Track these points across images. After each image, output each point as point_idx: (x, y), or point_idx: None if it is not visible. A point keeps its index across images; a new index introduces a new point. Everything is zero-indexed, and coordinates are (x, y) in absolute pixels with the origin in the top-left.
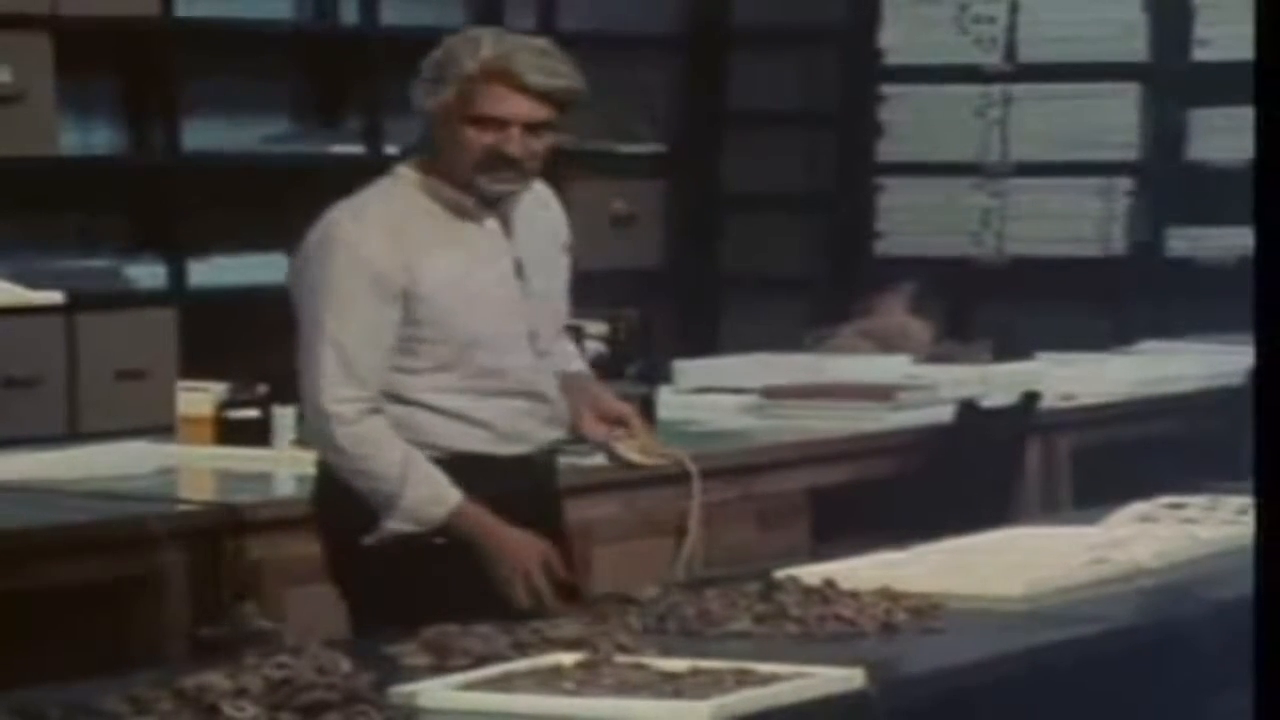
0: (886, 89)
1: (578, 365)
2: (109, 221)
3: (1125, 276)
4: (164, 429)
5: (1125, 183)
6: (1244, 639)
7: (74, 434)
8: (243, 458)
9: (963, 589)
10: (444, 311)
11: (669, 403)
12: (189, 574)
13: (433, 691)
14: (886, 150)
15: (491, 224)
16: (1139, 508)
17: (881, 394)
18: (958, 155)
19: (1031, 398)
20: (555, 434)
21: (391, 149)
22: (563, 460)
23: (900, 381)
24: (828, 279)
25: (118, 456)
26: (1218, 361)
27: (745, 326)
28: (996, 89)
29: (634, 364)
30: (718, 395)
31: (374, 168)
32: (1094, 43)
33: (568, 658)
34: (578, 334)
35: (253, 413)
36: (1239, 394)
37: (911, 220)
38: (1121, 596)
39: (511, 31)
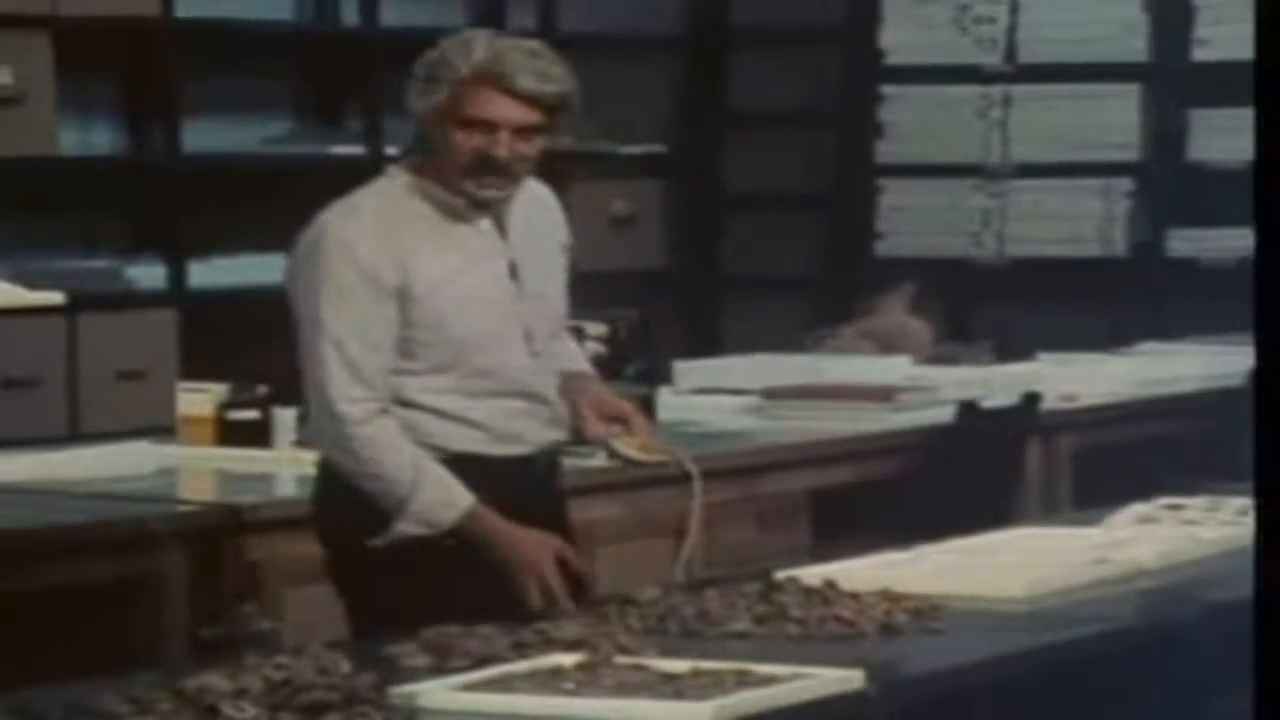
0: (887, 89)
1: (580, 365)
2: (109, 222)
3: (1125, 277)
4: (164, 430)
5: (1125, 183)
6: (1244, 640)
7: (74, 435)
8: (243, 458)
9: (963, 590)
10: (437, 312)
11: (669, 403)
12: (189, 575)
13: (433, 692)
14: (887, 151)
15: (485, 225)
16: (1139, 508)
17: (882, 395)
18: (958, 156)
19: (1032, 399)
20: (555, 435)
21: (392, 149)
22: (564, 461)
23: (901, 382)
24: (828, 279)
25: (118, 457)
26: (1218, 362)
27: (746, 327)
28: (997, 89)
29: (634, 365)
30: (718, 396)
31: (374, 168)
32: (1094, 43)
33: (568, 658)
34: (578, 334)
35: (253, 413)
36: (1239, 395)
37: (912, 221)
38: (1122, 597)
39: (510, 33)
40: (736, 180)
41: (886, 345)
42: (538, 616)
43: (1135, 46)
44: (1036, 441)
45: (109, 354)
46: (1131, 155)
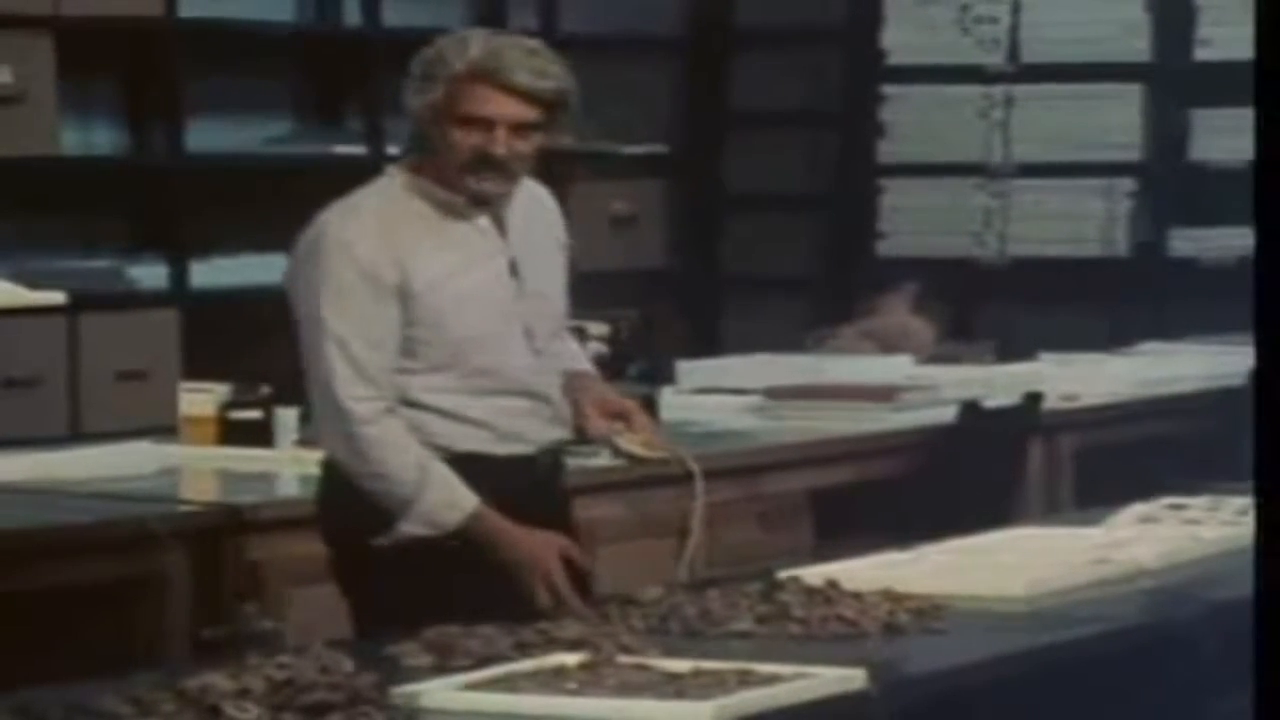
0: (888, 89)
1: (582, 364)
2: (111, 222)
3: (1127, 277)
4: (166, 429)
5: (1127, 183)
6: (1245, 640)
7: (76, 435)
8: (245, 458)
9: (965, 590)
10: (438, 311)
11: (671, 403)
12: (191, 575)
13: (435, 692)
14: (888, 151)
15: (484, 223)
16: (1140, 508)
17: (883, 395)
18: (960, 156)
19: (1033, 398)
20: (558, 434)
21: (393, 149)
22: (567, 461)
23: (902, 382)
24: (829, 279)
25: (120, 457)
26: (1219, 362)
27: (747, 327)
28: (999, 89)
29: (636, 364)
30: (720, 396)
31: (376, 168)
32: (1096, 43)
33: (570, 658)
34: (580, 335)
35: (255, 413)
36: (1240, 395)
37: (913, 221)
38: (1123, 597)
39: (509, 33)
40: (738, 180)
41: (888, 345)
42: (544, 616)
43: (1137, 46)
44: (1038, 441)
45: (110, 354)
46: (1133, 155)
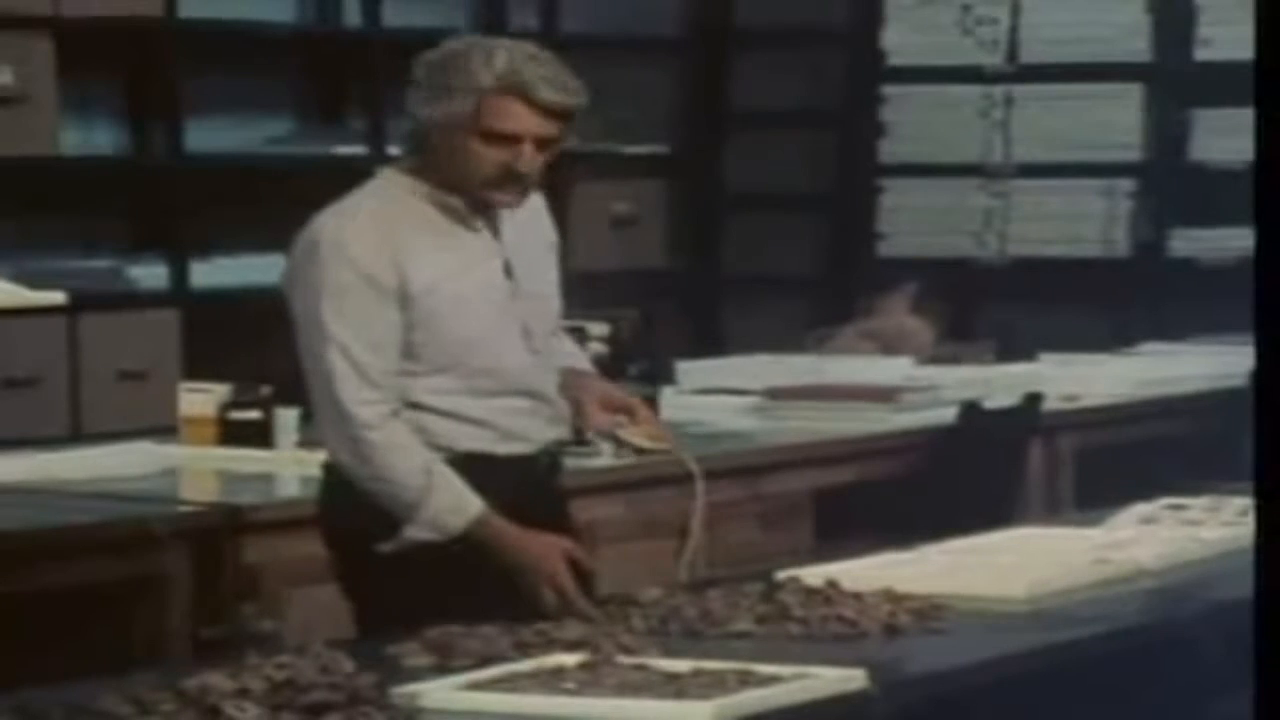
0: (889, 90)
1: (581, 363)
2: (111, 222)
3: (1127, 277)
4: (166, 430)
5: (1127, 184)
6: (1245, 640)
7: (76, 435)
8: (245, 459)
9: (965, 590)
10: (436, 313)
11: (672, 403)
12: (191, 575)
13: (435, 692)
14: (889, 151)
15: (479, 225)
16: (1141, 509)
17: (884, 395)
18: (960, 156)
19: (1034, 399)
20: (557, 433)
21: (394, 150)
22: (566, 461)
23: (903, 382)
24: (830, 280)
25: (120, 457)
26: (1220, 362)
27: (747, 327)
28: (999, 90)
29: (636, 365)
30: (720, 396)
31: (376, 168)
32: (1096, 43)
33: (570, 658)
34: (581, 335)
35: (255, 414)
36: (1241, 395)
37: (914, 221)
38: (1123, 598)
39: (512, 34)
40: (738, 180)
41: (888, 345)
42: (550, 618)
43: (1137, 47)
44: (1038, 442)
45: (110, 354)
46: (1133, 155)
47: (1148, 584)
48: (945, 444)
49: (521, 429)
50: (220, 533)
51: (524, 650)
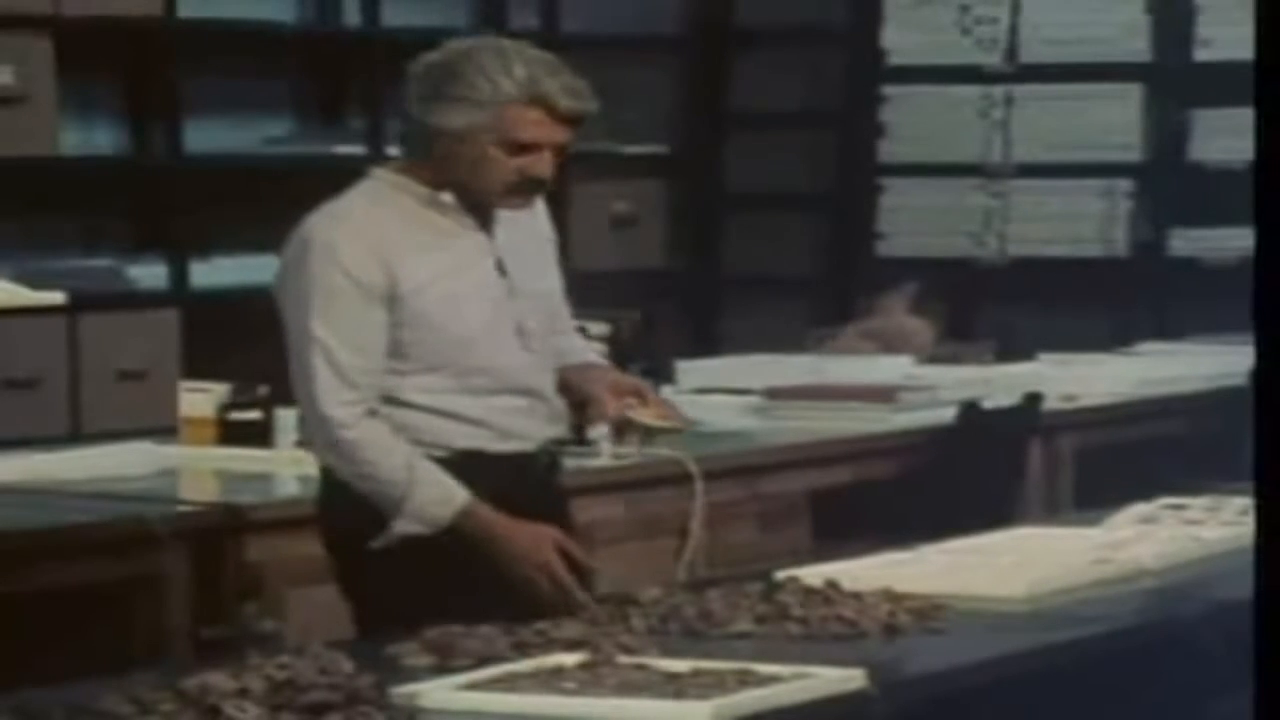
0: (888, 89)
1: (591, 357)
2: (111, 222)
3: (1127, 277)
4: (166, 430)
5: (1127, 183)
6: (1245, 640)
7: (76, 435)
8: (244, 458)
9: (965, 590)
10: (427, 312)
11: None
12: (191, 575)
13: (435, 692)
14: (888, 151)
15: (471, 224)
16: (1141, 509)
17: (883, 395)
18: (959, 156)
19: (1034, 399)
20: (555, 431)
21: (393, 150)
22: (566, 461)
23: (902, 382)
24: (829, 279)
25: (119, 457)
26: (1220, 362)
27: (747, 327)
28: (998, 90)
29: (636, 364)
30: (720, 396)
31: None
32: (1095, 43)
33: (569, 658)
34: (580, 335)
35: (254, 414)
36: (1241, 395)
37: (913, 221)
38: (1123, 598)
39: (514, 35)
40: (738, 180)
41: (888, 345)
42: (545, 615)
43: (1136, 47)
44: (1038, 442)
45: (110, 354)
46: (1133, 155)
47: (1148, 584)
48: (945, 444)
49: (518, 428)
50: (220, 532)
51: (523, 650)
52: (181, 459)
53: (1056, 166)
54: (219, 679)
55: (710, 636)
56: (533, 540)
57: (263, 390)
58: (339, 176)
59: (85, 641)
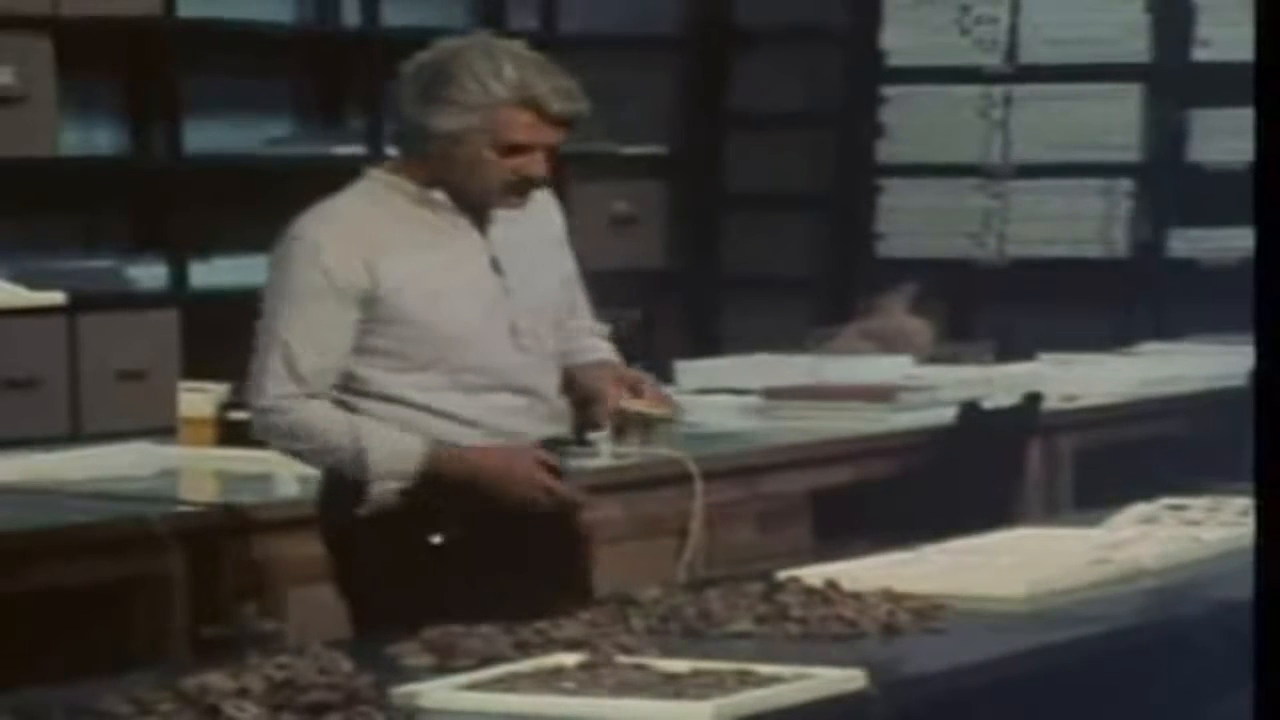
0: (888, 90)
1: (603, 355)
2: (110, 222)
3: (1127, 278)
4: (165, 430)
5: (1126, 184)
6: (1246, 640)
7: (75, 435)
8: (244, 459)
9: (965, 590)
10: (407, 309)
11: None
12: (190, 575)
13: (435, 692)
14: (888, 151)
15: (464, 222)
16: (1141, 509)
17: (883, 395)
18: (959, 156)
19: (1033, 399)
20: (554, 430)
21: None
22: (567, 461)
23: (902, 382)
24: (829, 280)
25: (119, 457)
26: (1220, 362)
27: (746, 327)
28: (998, 90)
29: (636, 364)
30: (719, 396)
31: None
32: (1095, 44)
33: (569, 658)
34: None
35: None
36: (1241, 395)
37: (913, 221)
38: (1123, 598)
39: (514, 35)
40: (738, 180)
41: (887, 345)
42: (543, 615)
43: (1136, 47)
44: (1038, 442)
45: (110, 354)
46: (1132, 156)
47: (1148, 584)
48: (944, 444)
49: (513, 426)
50: (219, 533)
51: (523, 650)
52: (181, 459)
53: (1056, 167)
54: (218, 679)
55: (710, 637)
56: (508, 458)
57: None
58: (339, 176)
59: (85, 641)
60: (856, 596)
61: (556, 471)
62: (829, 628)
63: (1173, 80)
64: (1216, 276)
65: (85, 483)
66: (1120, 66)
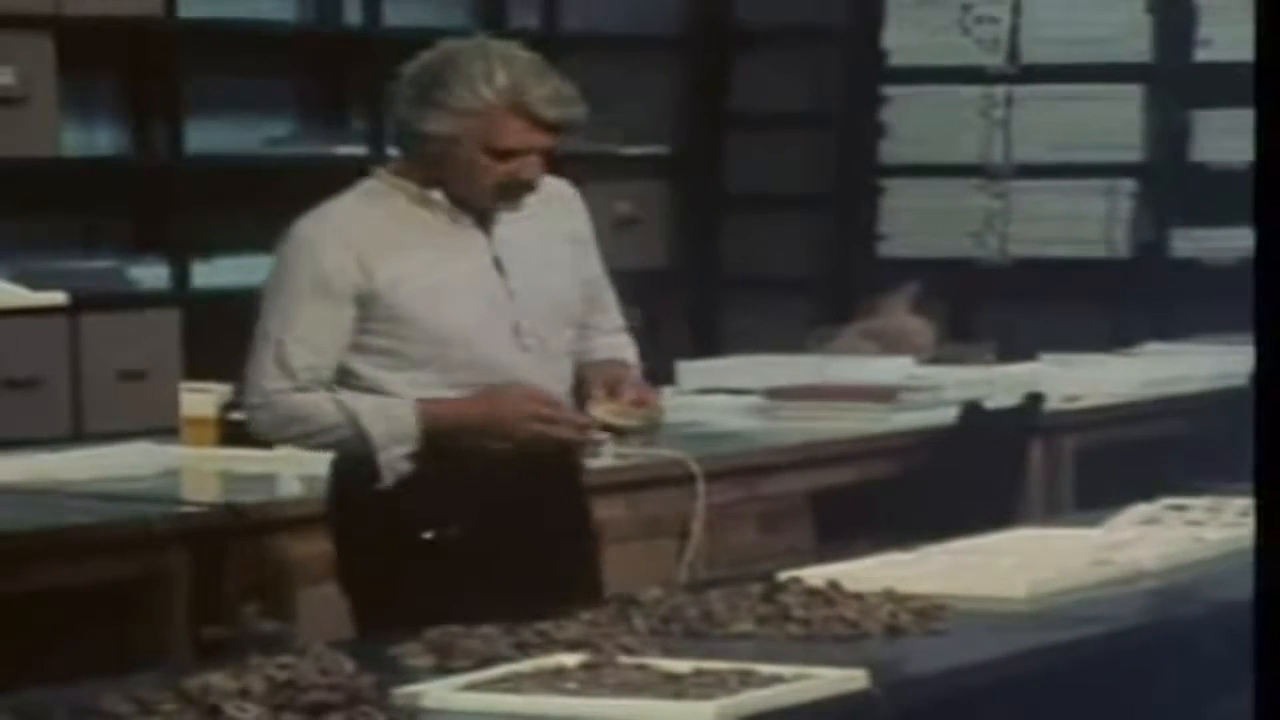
0: (889, 90)
1: (616, 354)
2: (112, 222)
3: (1129, 278)
4: (167, 430)
5: (1128, 184)
6: (1246, 641)
7: (77, 435)
8: (246, 459)
9: (966, 590)
10: (401, 307)
11: (672, 404)
12: (192, 575)
13: (436, 692)
14: (889, 151)
15: (466, 221)
16: (1142, 509)
17: (885, 395)
18: (961, 156)
19: (1035, 399)
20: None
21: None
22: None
23: (903, 383)
24: (831, 280)
25: (121, 458)
26: (1222, 362)
27: (748, 327)
28: (999, 90)
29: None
30: (721, 396)
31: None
32: (1097, 44)
33: (571, 659)
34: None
35: None
36: (1243, 395)
37: (914, 221)
38: (1124, 598)
39: (514, 35)
40: (738, 180)
41: (889, 345)
42: (546, 615)
43: (1138, 47)
44: (1039, 442)
45: (111, 354)
46: (1134, 156)
47: (1149, 585)
48: (946, 444)
49: None
50: (221, 533)
51: (525, 650)
52: (182, 459)
53: (1057, 167)
54: (220, 679)
55: (712, 637)
56: (499, 400)
57: None
58: (340, 176)
59: (85, 641)
60: (858, 597)
61: (554, 415)
62: (831, 628)
63: (1175, 80)
64: (1218, 276)
65: (87, 483)
66: (1122, 66)
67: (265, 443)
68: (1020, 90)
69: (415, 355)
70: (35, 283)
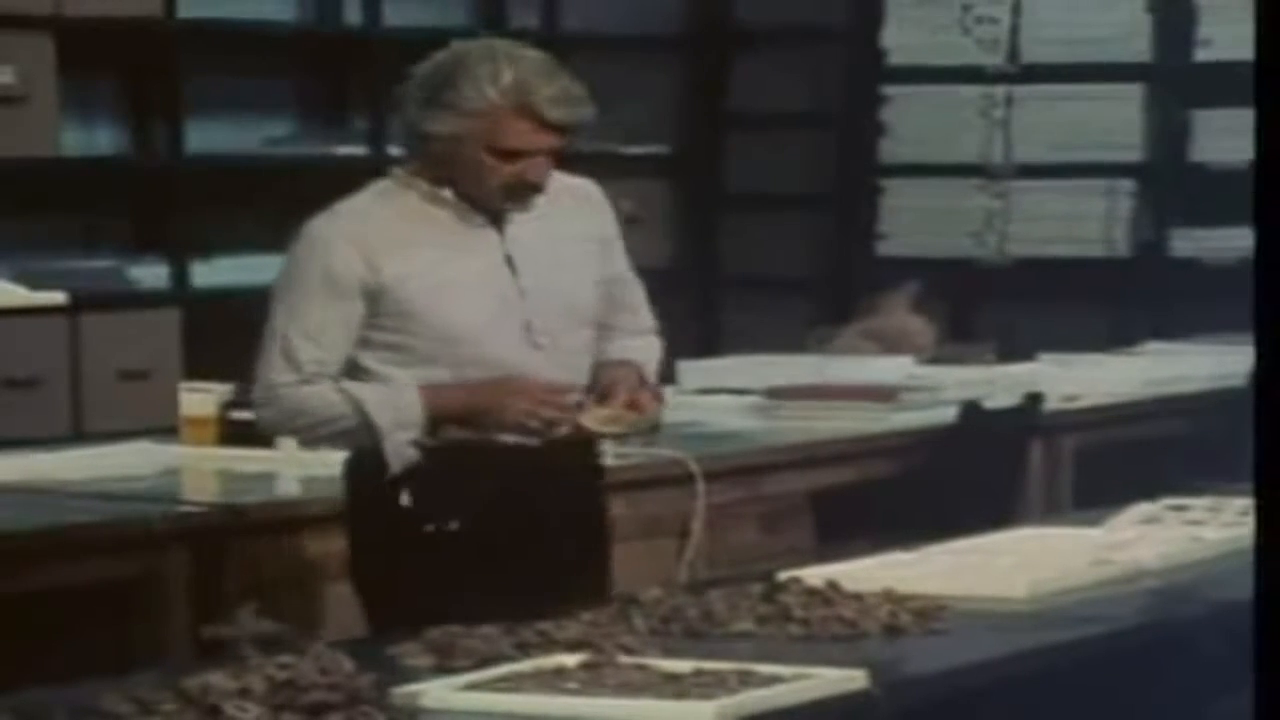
0: (889, 90)
1: (629, 355)
2: (112, 222)
3: (1129, 277)
4: (167, 430)
5: (1128, 184)
6: (1246, 641)
7: (77, 435)
8: (246, 458)
9: (966, 590)
10: (408, 303)
11: (672, 403)
12: (192, 575)
13: (436, 692)
14: (889, 151)
15: (478, 220)
16: (1142, 509)
17: (884, 395)
18: (961, 156)
19: (1035, 399)
20: (570, 428)
21: (395, 150)
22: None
23: (903, 382)
24: (831, 280)
25: (121, 457)
26: (1222, 362)
27: (748, 327)
28: (999, 90)
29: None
30: (721, 396)
31: (378, 168)
32: (1097, 43)
33: (571, 658)
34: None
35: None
36: (1243, 395)
37: (914, 221)
38: (1124, 598)
39: (514, 35)
40: (739, 181)
41: (889, 345)
42: (547, 614)
43: (1138, 47)
44: (1039, 442)
45: (111, 354)
46: (1134, 155)
47: (1149, 584)
48: (946, 444)
49: None
50: (221, 533)
51: (525, 650)
52: (182, 459)
53: (1058, 167)
54: (220, 679)
55: (712, 637)
56: (499, 387)
57: None
58: (340, 177)
59: (85, 641)
60: (858, 597)
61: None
62: (830, 628)
63: (1175, 80)
64: (1218, 276)
65: (87, 482)
66: (1122, 66)
67: (271, 438)
68: (1020, 90)
69: (423, 351)
70: (35, 282)
